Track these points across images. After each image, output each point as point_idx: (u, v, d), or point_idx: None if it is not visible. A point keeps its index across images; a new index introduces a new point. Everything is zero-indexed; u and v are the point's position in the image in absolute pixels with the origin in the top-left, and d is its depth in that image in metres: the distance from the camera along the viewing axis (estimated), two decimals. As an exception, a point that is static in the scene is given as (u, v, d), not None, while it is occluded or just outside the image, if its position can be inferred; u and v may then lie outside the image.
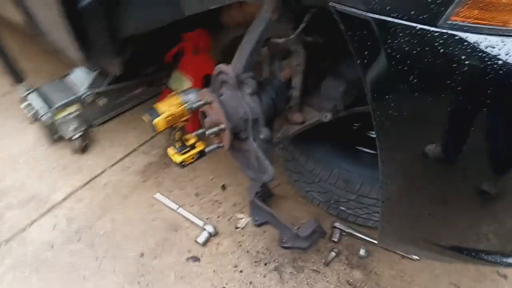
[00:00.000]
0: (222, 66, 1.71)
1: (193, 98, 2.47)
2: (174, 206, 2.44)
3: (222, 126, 1.69)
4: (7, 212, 2.43)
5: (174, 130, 2.41)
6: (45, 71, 3.41)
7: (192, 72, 2.74)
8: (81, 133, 2.67)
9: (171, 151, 2.62)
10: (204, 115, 1.79)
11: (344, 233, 2.29)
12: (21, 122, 2.99)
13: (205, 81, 2.80)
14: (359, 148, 2.29)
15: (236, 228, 2.35)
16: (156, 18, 2.10)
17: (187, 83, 2.77)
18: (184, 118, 2.48)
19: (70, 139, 2.67)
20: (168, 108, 2.38)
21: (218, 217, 2.40)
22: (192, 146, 2.57)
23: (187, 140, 2.58)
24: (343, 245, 2.26)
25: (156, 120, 2.36)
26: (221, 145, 1.79)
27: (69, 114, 2.70)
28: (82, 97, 2.72)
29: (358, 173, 2.11)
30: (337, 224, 2.30)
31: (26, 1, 2.15)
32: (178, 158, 2.57)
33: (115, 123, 2.96)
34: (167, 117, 2.38)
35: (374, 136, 1.23)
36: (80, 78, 2.80)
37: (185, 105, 2.42)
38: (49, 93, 2.74)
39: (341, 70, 1.86)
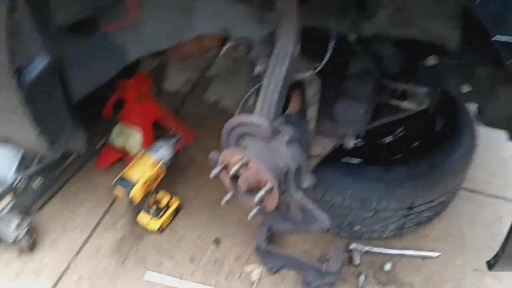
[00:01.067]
0: (249, 118, 1.47)
1: (165, 151, 2.17)
2: (173, 281, 2.10)
3: (269, 185, 1.45)
4: None
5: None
6: None
7: (140, 121, 2.41)
8: (27, 228, 2.15)
9: (143, 218, 2.27)
10: (236, 176, 1.53)
11: (363, 253, 2.19)
12: None
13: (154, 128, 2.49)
14: (345, 160, 2.22)
15: (252, 284, 2.10)
16: (103, 71, 1.84)
17: (136, 135, 2.42)
18: (160, 178, 2.16)
19: (15, 241, 2.14)
20: (142, 172, 2.05)
21: (227, 278, 2.13)
22: (167, 205, 2.27)
23: (160, 200, 2.25)
24: (366, 265, 2.16)
25: (133, 192, 2.01)
26: (261, 207, 1.55)
27: (2, 210, 2.16)
28: (13, 185, 2.20)
29: (372, 189, 2.02)
30: (353, 246, 2.19)
31: None
32: (155, 224, 2.24)
33: (57, 202, 2.46)
34: (144, 183, 2.04)
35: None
36: (1, 163, 2.26)
37: (160, 162, 2.11)
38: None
39: (354, 92, 1.74)
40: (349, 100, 1.73)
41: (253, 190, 1.49)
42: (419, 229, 2.26)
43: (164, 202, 2.27)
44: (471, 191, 2.46)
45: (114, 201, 2.44)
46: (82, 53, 1.74)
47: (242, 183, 1.48)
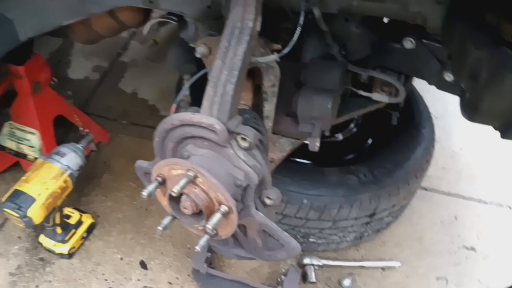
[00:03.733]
0: (196, 117, 1.07)
1: (73, 158, 1.70)
2: (90, 321, 1.66)
3: (225, 208, 1.08)
4: None
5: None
6: None
7: (37, 119, 1.89)
8: None
9: (47, 241, 1.78)
10: (175, 197, 1.13)
11: (317, 267, 1.89)
12: None
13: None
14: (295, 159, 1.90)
15: (191, 314, 1.73)
16: None
17: (32, 136, 1.90)
18: (67, 192, 1.69)
19: None
20: (43, 185, 1.56)
21: (160, 309, 1.73)
22: (78, 223, 1.81)
23: (68, 217, 1.79)
24: (322, 282, 1.87)
25: (31, 211, 1.53)
26: (212, 234, 1.16)
27: None
28: None
29: (332, 196, 1.72)
30: (307, 261, 1.88)
31: None
32: (63, 248, 1.78)
33: None
34: (47, 199, 1.57)
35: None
36: None
37: (67, 172, 1.64)
38: None
39: (318, 82, 1.41)
40: (313, 92, 1.39)
41: (200, 211, 1.12)
42: (377, 235, 2.01)
43: (73, 219, 1.80)
44: (425, 189, 2.26)
45: (5, 220, 1.92)
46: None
47: (187, 204, 1.09)
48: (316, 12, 1.27)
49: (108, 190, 2.08)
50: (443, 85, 1.45)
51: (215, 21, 1.48)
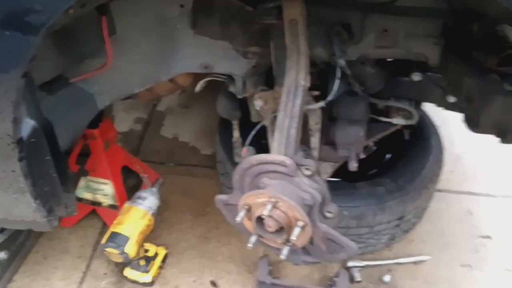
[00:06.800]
0: (271, 157, 1.42)
1: (152, 200, 2.03)
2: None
3: (301, 223, 1.42)
4: None
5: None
6: None
7: (110, 170, 2.23)
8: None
9: (132, 273, 2.10)
10: (260, 220, 1.47)
11: (360, 268, 2.22)
12: None
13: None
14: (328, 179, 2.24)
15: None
16: (78, 121, 1.76)
17: (106, 185, 2.24)
18: (151, 229, 2.02)
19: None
20: (133, 226, 1.90)
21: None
22: (155, 255, 2.14)
23: (147, 251, 2.12)
24: (366, 280, 2.19)
25: (127, 248, 1.86)
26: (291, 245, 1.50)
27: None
28: (-22, 263, 1.94)
29: (365, 205, 2.05)
30: (351, 264, 2.21)
31: None
32: (146, 277, 2.09)
33: (26, 273, 2.20)
34: (138, 236, 1.91)
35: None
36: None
37: (150, 212, 1.98)
38: None
39: (349, 114, 1.77)
40: (346, 123, 1.75)
41: (280, 228, 1.45)
42: (406, 235, 2.34)
43: (151, 253, 2.13)
44: (439, 190, 2.59)
45: (90, 261, 2.24)
46: (55, 106, 1.59)
47: (271, 224, 1.43)
48: (342, 62, 1.63)
49: (170, 224, 2.40)
50: (448, 106, 1.80)
51: (258, 77, 1.85)
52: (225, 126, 2.30)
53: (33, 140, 1.32)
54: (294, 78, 1.45)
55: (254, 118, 1.97)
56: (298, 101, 1.44)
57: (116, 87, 1.82)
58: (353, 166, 1.75)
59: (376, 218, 2.06)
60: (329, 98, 1.55)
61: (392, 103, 1.88)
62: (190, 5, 1.60)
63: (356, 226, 2.07)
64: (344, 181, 2.25)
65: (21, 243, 2.19)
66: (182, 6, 1.60)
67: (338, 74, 1.53)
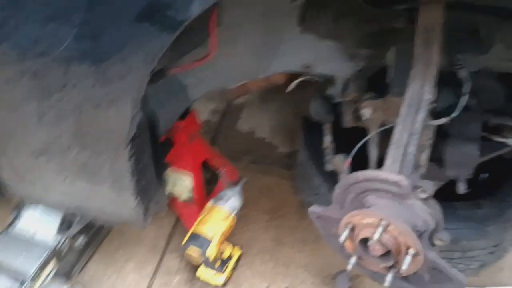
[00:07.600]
0: (384, 175, 1.29)
1: (235, 201, 1.95)
2: None
3: (412, 251, 1.28)
4: None
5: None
6: None
7: (192, 164, 2.17)
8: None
9: (205, 273, 2.03)
10: (365, 241, 1.35)
11: (445, 293, 2.06)
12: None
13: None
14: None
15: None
16: (172, 112, 1.73)
17: (185, 179, 2.17)
18: (232, 229, 1.95)
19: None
20: (215, 227, 1.83)
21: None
22: (230, 256, 2.06)
23: (222, 252, 2.04)
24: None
25: (209, 251, 1.79)
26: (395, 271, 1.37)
27: (47, 277, 1.88)
28: (58, 247, 1.92)
29: (464, 227, 1.89)
30: None
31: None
32: (220, 279, 2.02)
33: (99, 262, 2.19)
34: (220, 238, 1.83)
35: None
36: (35, 222, 1.97)
37: (233, 213, 1.90)
38: (3, 258, 1.86)
39: (463, 132, 1.61)
40: (460, 142, 1.59)
41: (386, 253, 1.33)
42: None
43: (226, 253, 2.05)
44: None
45: (163, 254, 2.20)
46: (152, 97, 1.53)
47: (377, 248, 1.31)
48: (465, 73, 1.47)
49: (245, 222, 2.31)
50: None
51: (363, 81, 1.72)
52: (309, 127, 2.19)
53: (141, 134, 1.26)
54: (418, 90, 1.31)
55: (347, 124, 1.84)
56: (421, 116, 1.30)
57: (211, 80, 1.74)
58: (462, 188, 1.59)
59: (471, 243, 1.89)
60: (454, 114, 1.40)
61: (505, 120, 1.70)
62: (303, -1, 1.48)
63: (448, 250, 1.91)
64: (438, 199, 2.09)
65: (97, 230, 2.17)
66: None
67: (468, 88, 1.38)
